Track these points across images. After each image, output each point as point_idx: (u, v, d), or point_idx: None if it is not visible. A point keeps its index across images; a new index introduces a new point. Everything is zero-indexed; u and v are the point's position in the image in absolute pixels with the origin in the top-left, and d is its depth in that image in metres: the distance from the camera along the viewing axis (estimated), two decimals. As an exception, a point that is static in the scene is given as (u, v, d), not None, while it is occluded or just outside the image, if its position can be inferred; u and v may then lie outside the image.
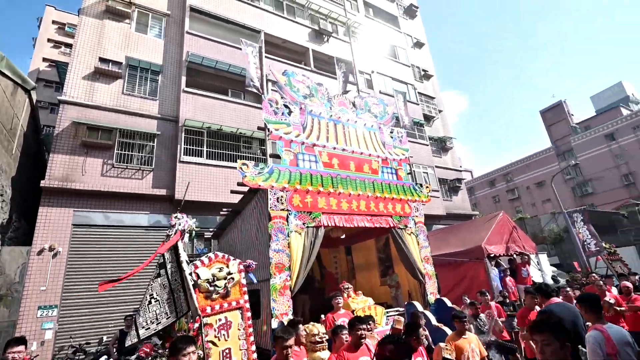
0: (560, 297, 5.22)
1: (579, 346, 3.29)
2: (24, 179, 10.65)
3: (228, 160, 12.13)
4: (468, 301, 7.50)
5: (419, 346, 3.84)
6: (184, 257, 3.81)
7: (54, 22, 23.28)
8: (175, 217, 4.01)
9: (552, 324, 2.21)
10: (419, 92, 21.22)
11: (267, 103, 6.11)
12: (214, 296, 3.89)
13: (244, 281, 4.19)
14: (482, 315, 6.15)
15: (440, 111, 22.66)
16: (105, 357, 6.89)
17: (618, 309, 6.08)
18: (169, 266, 3.75)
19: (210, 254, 4.14)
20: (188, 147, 11.65)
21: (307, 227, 5.63)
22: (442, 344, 3.98)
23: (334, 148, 6.60)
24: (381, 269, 8.57)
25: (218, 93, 13.15)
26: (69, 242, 9.45)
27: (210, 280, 3.89)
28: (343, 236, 8.23)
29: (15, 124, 10.29)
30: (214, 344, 3.68)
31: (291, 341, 3.27)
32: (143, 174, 11.04)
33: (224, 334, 3.80)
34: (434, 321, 5.58)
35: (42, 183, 9.43)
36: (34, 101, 12.20)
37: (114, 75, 11.59)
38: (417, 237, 6.98)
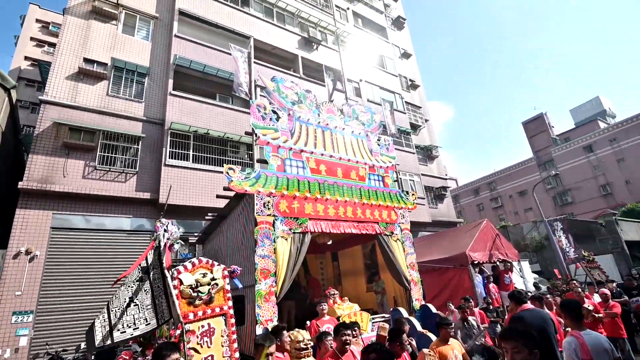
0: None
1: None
2: (1, 180, 10.29)
3: (215, 165, 12.02)
4: (452, 307, 7.59)
5: (402, 352, 3.85)
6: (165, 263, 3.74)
7: (37, 20, 22.79)
8: (160, 222, 3.94)
9: (520, 332, 2.23)
10: (406, 102, 21.56)
11: (255, 108, 6.10)
12: (197, 302, 3.82)
13: (228, 287, 4.13)
14: (471, 319, 6.18)
15: (426, 120, 23.06)
16: (82, 365, 6.66)
17: (596, 315, 6.26)
18: (152, 272, 3.67)
19: (194, 259, 4.07)
20: (174, 150, 11.49)
21: (294, 232, 5.61)
22: (425, 350, 4.01)
23: (322, 154, 6.63)
24: (367, 275, 8.59)
25: (206, 97, 13.05)
26: (47, 246, 9.14)
27: (193, 286, 3.82)
28: (330, 242, 8.23)
29: (-7, 124, 9.97)
30: (196, 351, 3.60)
31: (272, 348, 3.22)
32: (126, 177, 10.82)
33: (206, 341, 3.73)
34: (419, 327, 5.61)
35: (20, 184, 9.13)
36: (14, 100, 11.85)
37: (98, 76, 11.39)
38: (403, 244, 7.03)
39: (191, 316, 3.73)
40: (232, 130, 12.74)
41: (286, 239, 5.47)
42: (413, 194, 7.78)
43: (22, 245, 8.80)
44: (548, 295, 6.35)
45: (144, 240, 10.38)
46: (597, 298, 7.53)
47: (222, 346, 3.81)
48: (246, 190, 5.44)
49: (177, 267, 3.93)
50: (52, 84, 10.56)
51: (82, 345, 8.51)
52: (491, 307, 8.14)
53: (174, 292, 3.58)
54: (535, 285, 12.69)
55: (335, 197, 6.34)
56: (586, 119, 47.75)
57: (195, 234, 10.53)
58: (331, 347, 3.79)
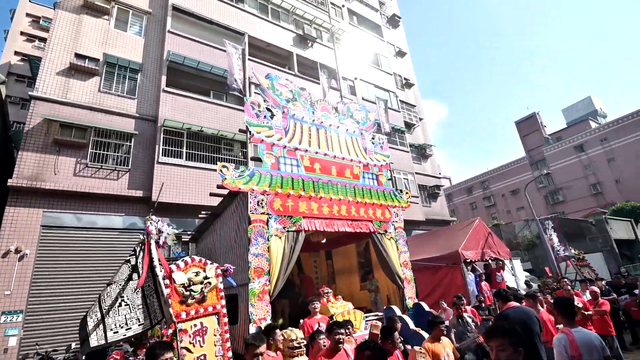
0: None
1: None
2: (-10, 178, 10.12)
3: (208, 163, 11.94)
4: (445, 305, 7.64)
5: (394, 350, 3.87)
6: (157, 261, 3.70)
7: (28, 14, 22.39)
8: (149, 220, 3.87)
9: (505, 330, 2.24)
10: (400, 100, 21.61)
11: (249, 105, 6.06)
12: (190, 301, 3.79)
13: (221, 286, 4.11)
14: (466, 315, 6.22)
15: (420, 119, 23.14)
16: (73, 365, 6.59)
17: (586, 312, 6.36)
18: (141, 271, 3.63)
19: (187, 258, 4.04)
20: (167, 147, 11.39)
21: (288, 231, 5.59)
22: (417, 348, 4.03)
23: (316, 152, 6.61)
24: (361, 274, 8.61)
25: (199, 94, 12.95)
26: (37, 244, 9.02)
27: (186, 284, 3.79)
28: (324, 240, 8.22)
29: (-18, 120, 9.79)
30: (188, 350, 3.58)
31: (262, 348, 3.18)
32: (119, 175, 10.70)
33: (199, 340, 3.71)
34: (411, 325, 5.64)
35: (10, 182, 8.98)
36: (3, 96, 11.66)
37: (90, 72, 11.23)
38: (396, 242, 7.06)
39: (183, 315, 3.70)
40: (226, 127, 12.66)
41: (280, 238, 5.45)
42: (407, 193, 7.81)
43: (12, 243, 8.67)
44: (538, 293, 6.40)
45: (136, 239, 10.27)
46: (589, 295, 7.64)
47: (215, 345, 3.79)
48: (240, 188, 5.41)
49: (169, 266, 3.89)
50: (43, 80, 10.39)
51: (73, 345, 8.43)
52: (483, 305, 8.21)
53: (166, 291, 3.54)
54: (527, 283, 12.85)
55: (330, 196, 6.33)
56: (578, 118, 48.32)
57: (189, 233, 10.46)
58: (324, 345, 3.80)
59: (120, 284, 3.60)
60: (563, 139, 43.59)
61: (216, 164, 5.45)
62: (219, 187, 5.64)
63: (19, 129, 14.63)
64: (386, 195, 7.31)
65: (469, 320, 6.15)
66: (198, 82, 13.42)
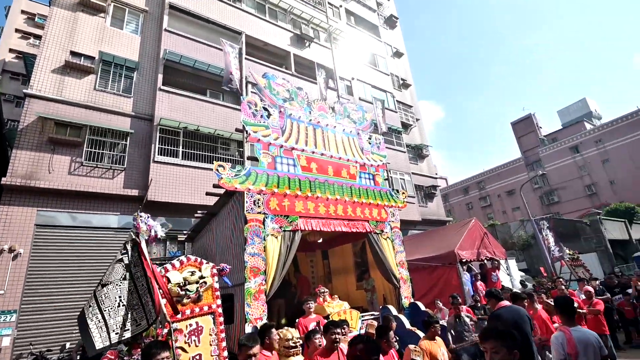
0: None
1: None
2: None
3: (205, 162, 11.89)
4: (441, 305, 7.66)
5: (389, 349, 3.88)
6: (149, 260, 3.65)
7: (23, 11, 22.17)
8: (139, 217, 3.77)
9: (500, 332, 2.24)
10: (397, 101, 21.65)
11: (246, 105, 6.04)
12: (185, 301, 3.77)
13: (216, 285, 4.09)
14: (463, 315, 6.24)
15: (417, 119, 23.21)
16: (67, 365, 6.55)
17: (580, 311, 6.41)
18: (133, 270, 3.57)
19: (182, 257, 4.03)
20: (163, 147, 11.33)
21: (284, 230, 5.58)
22: (411, 346, 4.04)
23: (313, 152, 6.61)
24: (357, 273, 8.61)
25: (196, 93, 12.90)
26: (31, 244, 8.94)
27: (181, 284, 3.77)
28: (320, 240, 8.23)
29: (-25, 117, 9.69)
30: (183, 350, 3.56)
31: (256, 349, 3.13)
32: (114, 174, 10.64)
33: (194, 340, 3.69)
34: (407, 325, 5.66)
35: (3, 180, 8.90)
36: (-3, 94, 11.53)
37: (86, 70, 11.15)
38: (392, 242, 7.07)
39: (179, 315, 3.68)
40: (223, 126, 12.62)
41: (276, 237, 5.44)
42: (403, 193, 7.82)
43: (5, 242, 8.60)
44: (533, 293, 6.46)
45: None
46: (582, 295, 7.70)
47: (211, 345, 3.78)
48: (236, 188, 5.40)
49: (164, 265, 3.87)
50: (38, 78, 10.31)
51: (67, 345, 8.38)
52: (479, 305, 8.24)
53: (158, 289, 3.50)
54: (522, 282, 12.90)
55: (326, 195, 6.33)
56: (573, 120, 48.67)
57: (185, 232, 10.42)
58: (320, 345, 3.79)
59: (117, 284, 3.56)
60: (558, 140, 43.92)
61: (212, 163, 5.42)
62: (215, 186, 5.62)
63: (13, 127, 14.52)
64: (382, 195, 7.32)
65: (467, 319, 6.17)
66: (194, 81, 13.37)
